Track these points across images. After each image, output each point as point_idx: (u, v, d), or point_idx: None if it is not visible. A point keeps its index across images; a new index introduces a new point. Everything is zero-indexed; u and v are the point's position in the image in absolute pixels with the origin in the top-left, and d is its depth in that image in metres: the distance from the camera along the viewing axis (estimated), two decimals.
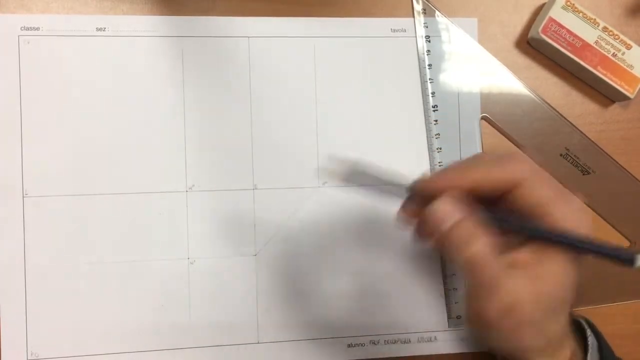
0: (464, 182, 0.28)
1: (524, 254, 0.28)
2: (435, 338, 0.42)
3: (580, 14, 0.41)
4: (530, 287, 0.27)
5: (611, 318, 0.43)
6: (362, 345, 0.41)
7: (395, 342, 0.41)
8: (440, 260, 0.42)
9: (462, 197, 0.28)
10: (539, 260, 0.27)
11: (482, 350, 0.42)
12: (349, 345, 0.41)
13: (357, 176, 0.31)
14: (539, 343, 0.28)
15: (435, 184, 0.29)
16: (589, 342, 0.31)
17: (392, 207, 0.31)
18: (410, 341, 0.42)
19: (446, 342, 0.42)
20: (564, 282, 0.28)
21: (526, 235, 0.28)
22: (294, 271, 0.41)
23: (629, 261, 0.27)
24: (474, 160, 0.30)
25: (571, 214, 0.28)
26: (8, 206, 0.38)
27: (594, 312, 0.42)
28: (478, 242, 0.27)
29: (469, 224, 0.27)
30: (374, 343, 0.41)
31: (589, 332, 0.33)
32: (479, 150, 0.42)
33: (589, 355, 0.30)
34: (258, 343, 0.40)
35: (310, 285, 0.41)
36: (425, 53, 0.42)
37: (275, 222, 0.40)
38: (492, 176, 0.28)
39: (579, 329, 0.33)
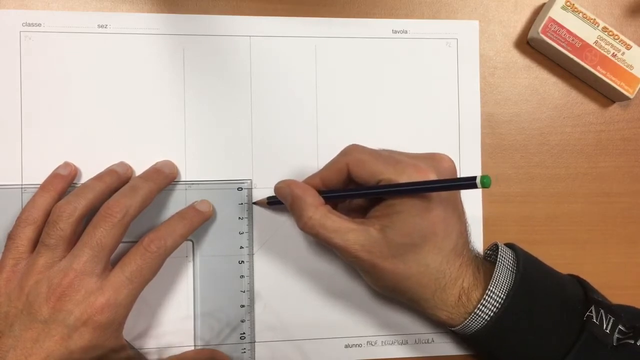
0: (315, 180, 0.37)
1: (377, 210, 0.34)
2: (433, 340, 0.41)
3: (580, 14, 0.41)
4: (378, 231, 0.33)
5: None
6: (359, 345, 0.41)
7: (392, 343, 0.41)
8: None
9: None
10: (387, 210, 0.34)
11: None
12: (346, 346, 0.41)
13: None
14: (410, 283, 0.34)
15: (296, 184, 0.36)
16: (497, 268, 0.35)
17: None
18: (407, 343, 0.41)
19: (443, 344, 0.41)
20: (415, 222, 0.33)
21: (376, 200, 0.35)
22: (292, 271, 0.41)
23: (471, 184, 0.29)
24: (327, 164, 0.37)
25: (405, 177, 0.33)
26: (7, 203, 0.38)
27: None
28: (307, 211, 0.34)
29: (300, 201, 0.35)
30: (371, 344, 0.41)
31: (500, 256, 0.36)
32: (478, 150, 0.42)
33: (491, 285, 0.34)
34: (255, 342, 0.40)
35: (308, 285, 0.41)
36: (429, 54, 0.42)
37: (273, 222, 0.40)
38: (330, 170, 0.36)
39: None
